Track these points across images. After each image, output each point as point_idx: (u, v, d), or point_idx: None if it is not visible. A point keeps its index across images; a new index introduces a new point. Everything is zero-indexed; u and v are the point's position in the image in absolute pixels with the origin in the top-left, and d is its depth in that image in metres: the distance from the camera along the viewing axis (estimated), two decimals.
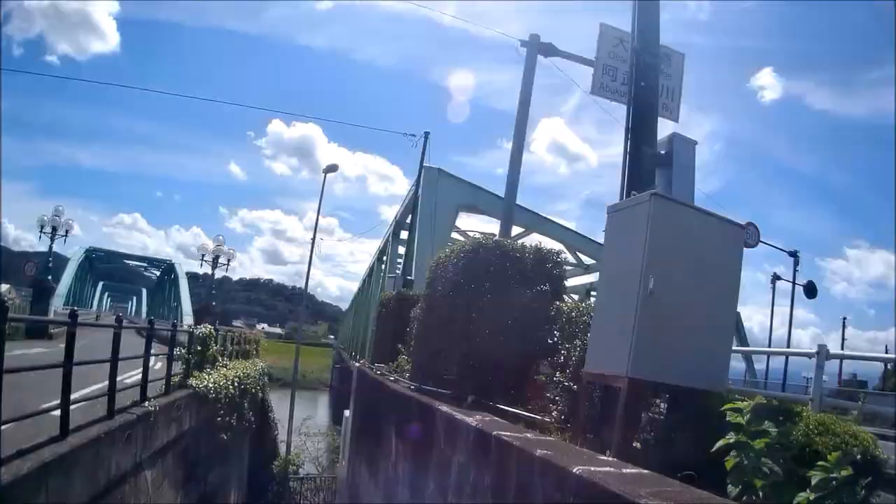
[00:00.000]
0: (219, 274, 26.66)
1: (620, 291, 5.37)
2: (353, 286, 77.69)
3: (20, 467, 4.86)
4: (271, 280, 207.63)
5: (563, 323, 7.30)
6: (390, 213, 51.01)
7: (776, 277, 26.62)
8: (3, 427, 4.79)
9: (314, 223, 28.43)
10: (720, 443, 3.76)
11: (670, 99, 12.00)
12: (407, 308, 13.92)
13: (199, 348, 12.40)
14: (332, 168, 27.52)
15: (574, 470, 3.45)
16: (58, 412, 5.91)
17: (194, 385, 11.24)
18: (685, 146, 8.94)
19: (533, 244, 9.03)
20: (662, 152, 8.74)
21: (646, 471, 3.50)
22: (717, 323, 5.35)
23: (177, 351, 11.51)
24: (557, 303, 8.30)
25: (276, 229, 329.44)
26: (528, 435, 5.20)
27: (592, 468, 3.46)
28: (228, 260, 27.35)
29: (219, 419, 12.92)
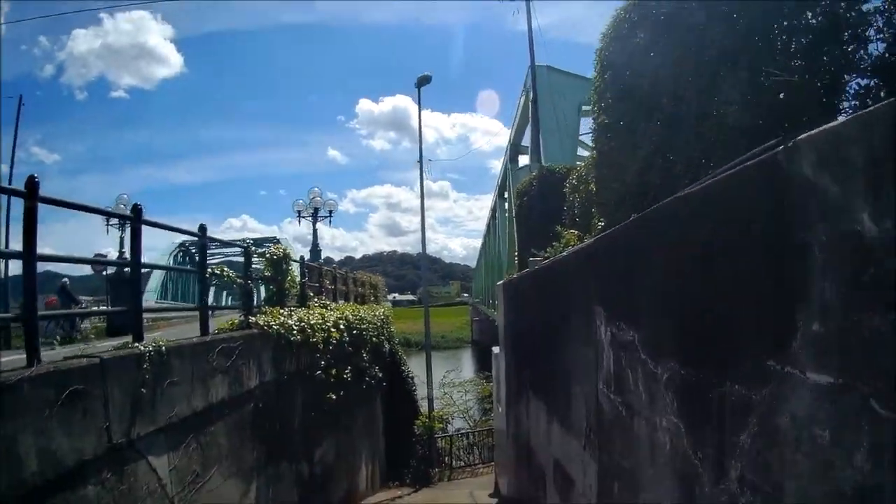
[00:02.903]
0: (336, 255, 22.98)
1: None
2: (478, 243, 74.96)
3: None
4: (395, 251, 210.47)
5: None
6: (499, 165, 46.45)
7: None
8: None
9: (420, 162, 24.16)
10: None
11: None
12: (556, 185, 10.93)
13: (268, 275, 8.67)
14: (426, 79, 23.04)
15: None
16: None
17: (262, 323, 7.45)
18: None
19: None
20: None
21: None
22: None
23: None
24: None
25: (389, 203, 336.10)
26: None
27: None
28: (330, 212, 24.10)
29: (319, 372, 9.24)
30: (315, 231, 23.54)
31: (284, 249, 8.82)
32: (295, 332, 8.18)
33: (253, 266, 8.27)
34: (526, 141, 33.55)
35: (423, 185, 20.79)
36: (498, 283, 14.42)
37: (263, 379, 7.15)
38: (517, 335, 10.35)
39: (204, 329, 6.18)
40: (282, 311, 8.38)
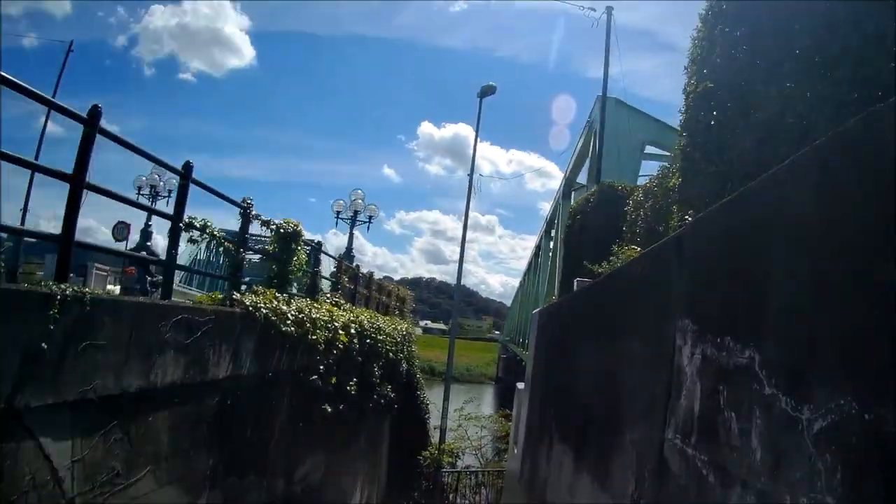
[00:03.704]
0: (376, 273, 21.36)
1: None
2: (516, 282, 73.98)
3: None
4: (434, 279, 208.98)
5: None
6: (548, 207, 45.04)
7: None
8: None
9: (468, 188, 22.98)
10: None
11: None
12: (615, 205, 9.84)
13: (270, 249, 7.46)
14: (490, 90, 21.89)
15: None
16: None
17: (247, 302, 6.24)
18: None
19: None
20: None
21: None
22: None
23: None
24: None
25: (435, 229, 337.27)
26: None
27: None
28: (370, 217, 22.95)
29: (316, 378, 7.95)
30: (351, 235, 22.33)
31: (296, 225, 7.63)
32: (289, 321, 6.95)
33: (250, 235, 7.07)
34: (581, 178, 32.26)
35: (469, 197, 19.59)
36: (533, 312, 13.04)
37: (239, 370, 5.92)
38: (549, 367, 8.90)
39: (166, 292, 5.00)
40: (278, 295, 7.18)
